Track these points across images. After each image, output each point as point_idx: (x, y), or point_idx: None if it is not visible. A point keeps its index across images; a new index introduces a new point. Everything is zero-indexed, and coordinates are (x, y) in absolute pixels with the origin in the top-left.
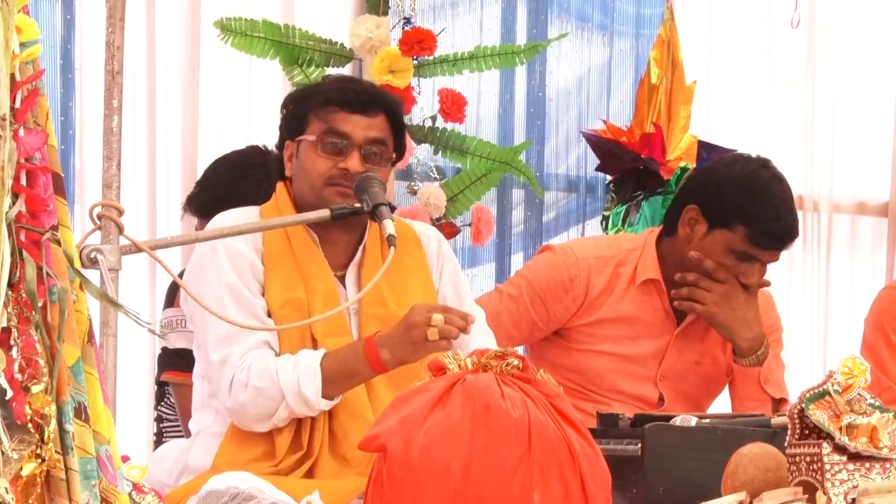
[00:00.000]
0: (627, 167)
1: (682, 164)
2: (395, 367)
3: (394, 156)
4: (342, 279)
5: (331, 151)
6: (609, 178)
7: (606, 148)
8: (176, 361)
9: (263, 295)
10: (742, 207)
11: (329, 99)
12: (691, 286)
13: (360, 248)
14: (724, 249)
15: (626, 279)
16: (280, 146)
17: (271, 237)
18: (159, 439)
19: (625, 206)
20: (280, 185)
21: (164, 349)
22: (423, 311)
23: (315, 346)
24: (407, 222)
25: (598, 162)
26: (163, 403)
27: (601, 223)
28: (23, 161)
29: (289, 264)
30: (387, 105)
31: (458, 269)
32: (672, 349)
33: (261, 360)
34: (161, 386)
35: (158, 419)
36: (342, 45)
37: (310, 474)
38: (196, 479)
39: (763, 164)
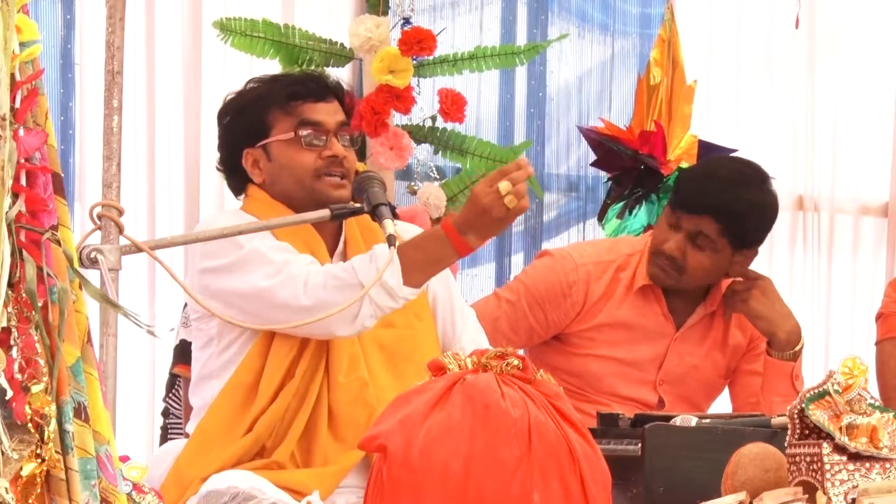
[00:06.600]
0: (626, 164)
1: (682, 164)
2: (481, 246)
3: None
4: None
5: (312, 143)
6: (608, 174)
7: (604, 144)
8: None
9: None
10: (678, 179)
11: (293, 94)
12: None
13: (342, 238)
14: (664, 225)
15: (625, 284)
16: (229, 161)
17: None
18: (164, 434)
19: (623, 203)
20: (253, 188)
21: (182, 341)
22: (487, 190)
23: None
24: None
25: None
26: (171, 396)
27: (598, 216)
28: (23, 161)
29: (298, 243)
30: (335, 89)
31: (447, 269)
32: (671, 354)
33: (325, 265)
34: (173, 376)
35: (165, 412)
36: (342, 44)
37: (308, 453)
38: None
39: (730, 158)
